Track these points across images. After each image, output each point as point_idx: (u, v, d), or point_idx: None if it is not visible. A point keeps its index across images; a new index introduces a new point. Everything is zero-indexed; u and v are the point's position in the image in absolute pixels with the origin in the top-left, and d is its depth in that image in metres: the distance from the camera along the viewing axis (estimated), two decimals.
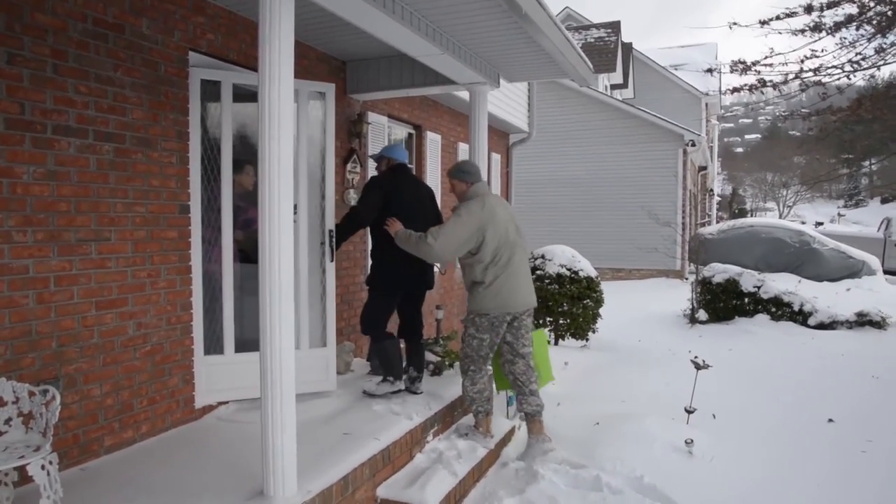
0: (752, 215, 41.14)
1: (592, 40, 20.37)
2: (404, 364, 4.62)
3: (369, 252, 4.71)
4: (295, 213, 3.76)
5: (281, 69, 2.74)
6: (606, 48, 20.03)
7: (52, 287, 3.15)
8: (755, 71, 8.25)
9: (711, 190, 28.53)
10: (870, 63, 7.82)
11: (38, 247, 3.08)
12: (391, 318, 4.57)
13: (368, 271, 4.73)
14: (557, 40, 4.51)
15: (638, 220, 16.11)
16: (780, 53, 8.16)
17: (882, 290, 12.05)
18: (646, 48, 28.47)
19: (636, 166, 16.94)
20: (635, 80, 24.18)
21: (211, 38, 4.08)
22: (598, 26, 21.32)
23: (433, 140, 7.42)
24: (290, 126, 2.84)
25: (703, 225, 21.95)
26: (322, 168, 4.47)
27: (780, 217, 39.85)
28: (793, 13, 8.12)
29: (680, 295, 12.29)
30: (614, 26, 20.86)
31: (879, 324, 9.22)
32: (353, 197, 5.52)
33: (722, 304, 10.42)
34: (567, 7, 23.63)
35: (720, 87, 22.48)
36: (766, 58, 8.31)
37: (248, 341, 4.09)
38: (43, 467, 2.39)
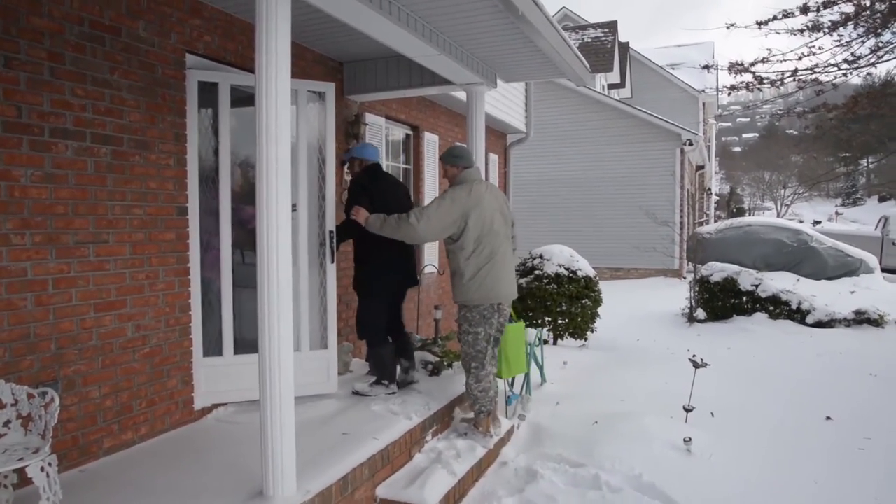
0: (749, 214, 41.20)
1: (589, 40, 20.40)
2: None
3: (353, 256, 4.67)
4: (294, 210, 3.78)
5: (278, 70, 2.75)
6: (603, 48, 20.06)
7: (51, 289, 3.16)
8: (752, 73, 8.27)
9: (709, 189, 28.57)
10: (865, 62, 7.85)
11: (37, 249, 3.09)
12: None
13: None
14: (554, 41, 4.53)
15: (636, 220, 16.13)
16: (777, 54, 8.18)
17: (880, 289, 12.04)
18: (643, 48, 28.50)
19: (634, 166, 16.95)
20: (632, 79, 24.21)
21: (208, 40, 4.09)
22: (594, 26, 21.35)
23: (430, 140, 7.43)
24: (287, 126, 2.85)
25: (701, 224, 21.98)
26: (322, 169, 4.47)
27: (778, 216, 39.91)
28: (789, 14, 8.14)
29: (678, 294, 12.31)
30: (611, 26, 20.89)
31: (877, 322, 9.23)
32: None
33: (720, 302, 10.43)
34: (564, 7, 23.66)
35: (717, 86, 22.49)
36: (763, 59, 8.34)
37: (248, 343, 4.09)
38: (42, 469, 2.39)
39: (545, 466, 4.05)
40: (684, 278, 15.91)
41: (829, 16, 8.03)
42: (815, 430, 5.11)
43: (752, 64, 8.53)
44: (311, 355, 4.30)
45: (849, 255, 13.35)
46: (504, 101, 8.71)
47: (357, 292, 4.58)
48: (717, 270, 10.73)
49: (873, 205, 48.30)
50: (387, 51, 4.70)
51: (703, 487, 3.86)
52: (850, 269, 13.14)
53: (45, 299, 3.13)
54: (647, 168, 16.84)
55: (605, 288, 9.03)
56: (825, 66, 8.24)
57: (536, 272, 8.39)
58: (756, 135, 72.76)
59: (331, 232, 4.36)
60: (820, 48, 8.20)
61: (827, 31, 8.02)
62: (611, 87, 21.86)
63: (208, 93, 4.02)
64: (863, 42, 7.75)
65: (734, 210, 41.62)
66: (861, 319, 9.35)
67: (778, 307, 9.94)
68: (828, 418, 5.36)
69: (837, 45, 8.15)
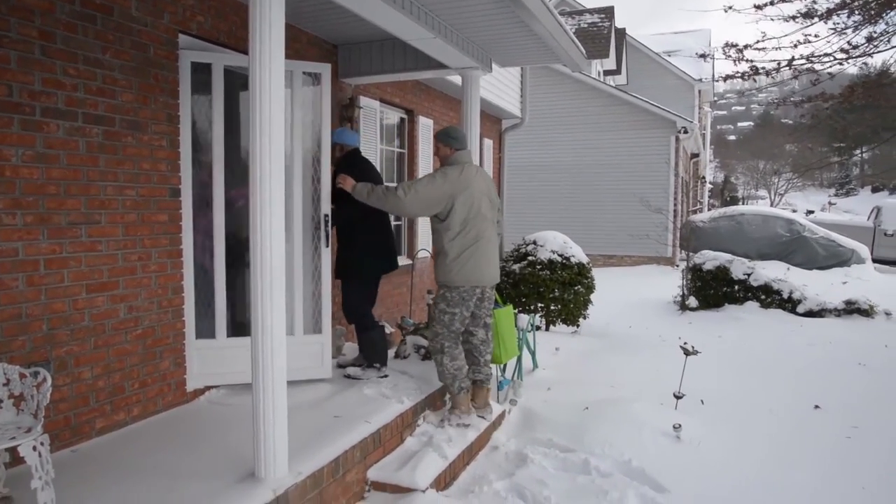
0: (743, 203, 41.25)
1: (586, 25, 20.28)
2: None
3: (338, 241, 4.68)
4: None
5: (272, 51, 2.73)
6: (600, 34, 19.95)
7: (42, 270, 3.15)
8: (747, 58, 8.25)
9: (703, 177, 28.60)
10: (861, 51, 7.85)
11: (28, 230, 3.07)
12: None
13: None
14: (550, 25, 4.50)
15: (630, 207, 16.15)
16: (772, 38, 8.17)
17: (871, 279, 12.12)
18: (639, 34, 28.37)
19: (628, 153, 16.95)
20: (628, 66, 24.13)
21: (201, 20, 4.05)
22: (591, 11, 21.22)
23: (425, 125, 7.40)
24: (281, 109, 2.83)
25: (694, 212, 22.03)
26: (317, 152, 4.42)
27: (772, 205, 40.01)
28: None
29: (671, 282, 12.36)
30: (608, 12, 20.76)
31: (867, 312, 9.30)
32: None
33: (712, 291, 10.48)
34: None
35: (713, 74, 22.46)
36: (757, 42, 8.32)
37: (241, 326, 4.10)
38: (34, 448, 2.40)
39: (536, 451, 4.09)
40: (677, 266, 15.97)
41: (824, 3, 8.03)
42: (803, 419, 5.16)
43: (747, 46, 8.51)
44: (304, 339, 4.29)
45: (841, 245, 13.42)
46: (499, 86, 8.68)
47: (342, 277, 4.59)
48: (710, 259, 10.77)
49: (866, 195, 48.50)
50: (382, 34, 4.66)
51: (691, 474, 3.90)
52: (841, 259, 13.22)
53: (37, 279, 3.12)
54: (641, 155, 16.83)
55: (598, 275, 9.05)
56: (821, 55, 8.24)
57: (530, 258, 8.40)
58: (751, 123, 72.79)
59: (326, 215, 4.34)
60: (816, 35, 8.17)
61: (821, 17, 8.01)
62: (606, 73, 21.79)
63: (201, 74, 3.99)
64: (858, 30, 7.75)
65: (728, 199, 41.64)
66: (851, 309, 9.41)
67: (769, 296, 10.00)
68: (816, 407, 5.42)
69: (833, 33, 8.14)
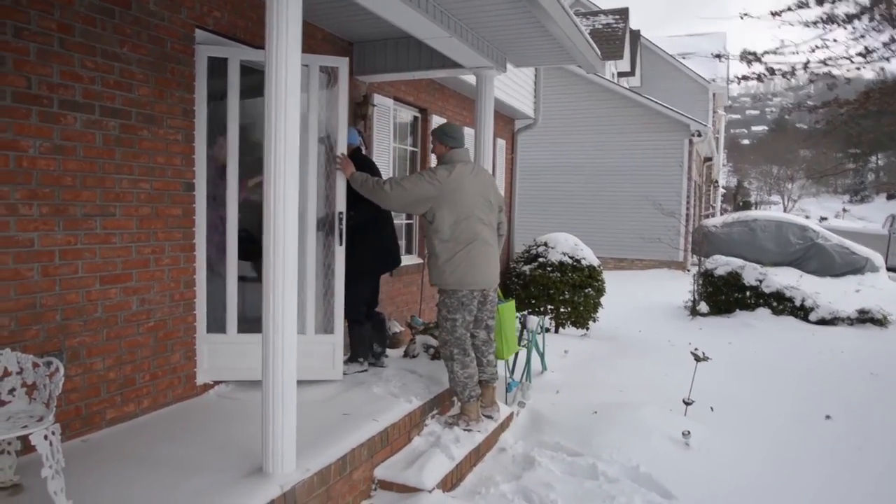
0: (756, 208, 40.96)
1: (600, 27, 20.21)
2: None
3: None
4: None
5: (288, 43, 2.73)
6: (614, 35, 19.87)
7: (58, 261, 3.17)
8: (765, 63, 8.20)
9: (716, 181, 28.43)
10: (879, 55, 7.76)
11: (44, 220, 3.09)
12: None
13: None
14: (566, 26, 4.48)
15: (642, 210, 16.06)
16: (790, 45, 8.10)
17: (885, 288, 11.99)
18: (654, 36, 28.20)
19: (641, 155, 16.85)
20: (643, 68, 24.01)
21: (217, 15, 4.06)
22: (606, 13, 21.13)
23: (439, 123, 7.39)
24: (296, 104, 2.83)
25: (707, 216, 21.90)
26: (332, 148, 4.36)
27: (785, 211, 39.75)
28: (804, 4, 8.05)
29: (681, 286, 12.30)
30: (622, 13, 20.68)
31: (881, 321, 9.21)
32: None
33: (723, 296, 10.41)
34: None
35: (728, 77, 22.31)
36: (776, 49, 8.27)
37: (251, 321, 4.10)
38: (46, 437, 2.41)
39: (543, 454, 4.07)
40: (688, 271, 15.89)
41: (843, 7, 7.95)
42: (814, 429, 5.12)
43: (765, 53, 8.46)
44: (315, 339, 4.23)
45: (855, 252, 13.30)
46: (513, 86, 8.66)
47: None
48: (722, 264, 10.70)
49: (881, 202, 48.07)
50: (397, 32, 4.66)
51: (700, 481, 3.88)
52: (855, 266, 13.10)
53: (52, 270, 3.15)
54: (654, 158, 16.74)
55: (608, 278, 9.02)
56: (838, 60, 8.16)
57: (540, 259, 8.39)
58: (765, 128, 72.26)
59: (340, 213, 4.28)
60: (834, 41, 8.10)
61: (841, 22, 7.94)
62: (620, 74, 21.69)
63: (217, 69, 4.00)
64: (879, 33, 7.66)
65: (740, 203, 41.40)
66: (865, 318, 9.33)
67: (781, 303, 9.93)
68: (827, 417, 5.37)
69: (852, 39, 8.07)
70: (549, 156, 17.19)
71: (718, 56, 10.73)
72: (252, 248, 4.63)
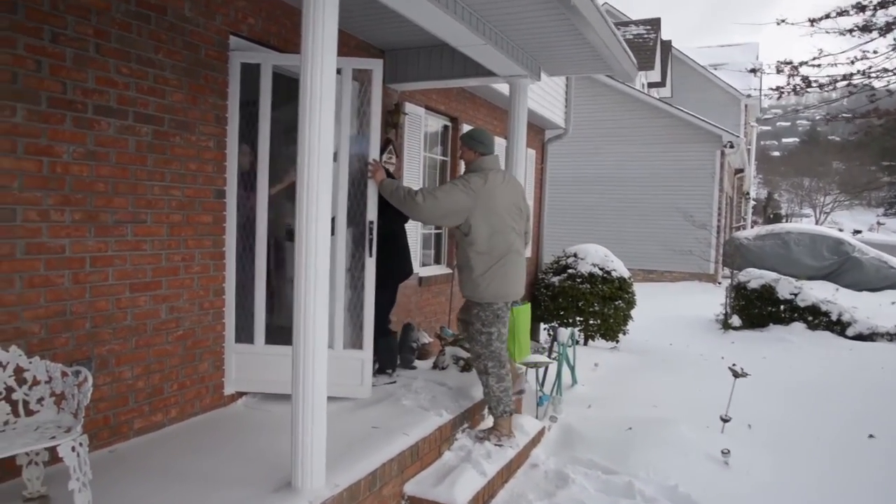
0: (787, 221, 40.22)
1: (631, 37, 20.03)
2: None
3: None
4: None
5: (324, 50, 2.68)
6: (645, 45, 19.68)
7: (88, 267, 3.14)
8: (801, 73, 8.02)
9: (747, 193, 27.96)
10: None
11: (76, 226, 3.07)
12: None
13: None
14: (604, 34, 4.38)
15: (671, 222, 15.81)
16: (828, 55, 7.92)
17: None
18: (685, 47, 27.93)
19: (671, 167, 16.62)
20: (673, 79, 23.75)
21: (252, 22, 4.04)
22: (637, 23, 20.96)
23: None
24: (331, 108, 2.77)
25: (737, 229, 21.51)
26: (364, 154, 4.21)
27: (817, 223, 38.96)
28: (844, 12, 7.86)
29: (712, 299, 12.06)
30: (654, 23, 20.49)
31: None
32: None
33: (757, 310, 10.19)
34: (606, 2, 23.28)
35: (760, 88, 21.95)
36: (814, 58, 8.07)
37: (280, 332, 4.01)
38: (73, 449, 2.37)
39: (576, 471, 3.95)
40: (719, 283, 15.59)
41: (883, 17, 7.74)
42: (857, 448, 4.92)
43: (802, 64, 8.27)
44: (344, 354, 4.06)
45: (892, 266, 12.96)
46: (543, 95, 8.56)
47: None
48: (755, 277, 10.48)
49: None
50: (430, 40, 4.60)
51: (741, 503, 3.72)
52: (893, 281, 12.74)
53: (82, 277, 3.12)
54: (684, 170, 16.49)
55: (638, 290, 8.86)
56: (878, 71, 7.95)
57: (570, 271, 8.26)
58: (796, 140, 71.11)
59: (370, 222, 4.14)
60: (874, 52, 7.88)
61: (881, 31, 7.74)
62: (651, 85, 21.47)
63: (251, 76, 3.97)
64: None
65: (771, 216, 40.65)
66: None
67: (817, 318, 9.67)
68: (870, 436, 5.16)
69: (893, 49, 7.85)
70: (577, 167, 17.05)
71: (753, 70, 10.52)
72: (280, 255, 4.58)
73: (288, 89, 3.76)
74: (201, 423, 3.71)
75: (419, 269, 6.47)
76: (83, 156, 3.08)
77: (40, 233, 2.93)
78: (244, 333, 4.03)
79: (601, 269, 8.22)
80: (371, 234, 4.09)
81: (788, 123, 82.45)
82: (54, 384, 2.60)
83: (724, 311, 10.50)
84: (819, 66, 8.07)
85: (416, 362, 5.14)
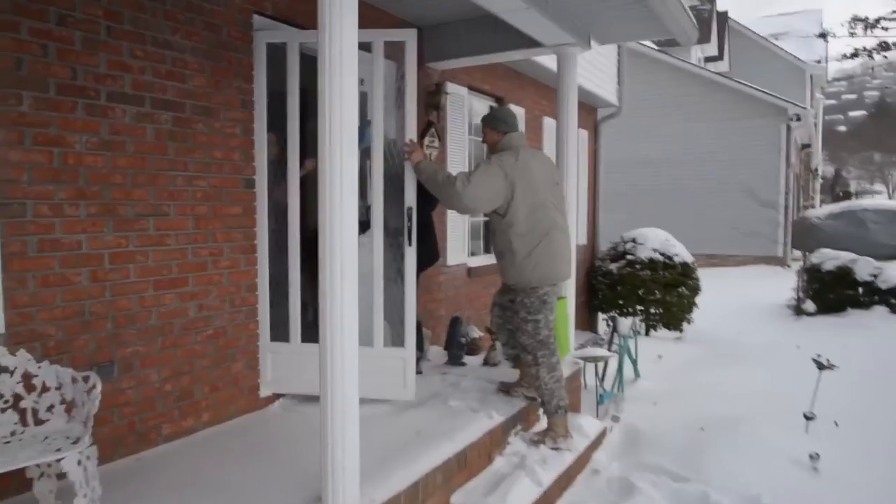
0: (856, 198, 38.20)
1: None
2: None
3: None
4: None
5: (343, 12, 2.36)
6: (700, 17, 18.69)
7: (107, 264, 2.95)
8: (881, 28, 7.31)
9: (816, 169, 26.49)
10: None
11: (92, 221, 2.88)
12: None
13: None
14: None
15: (735, 203, 15.01)
16: None
17: None
18: (742, 17, 26.55)
19: (733, 144, 15.75)
20: (731, 51, 22.60)
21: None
22: None
23: (516, 113, 6.93)
24: (354, 87, 2.45)
25: (807, 208, 20.38)
26: (401, 134, 3.88)
27: (890, 199, 36.85)
28: None
29: (782, 283, 11.34)
30: None
31: None
32: None
33: (832, 294, 9.47)
34: None
35: (827, 56, 20.68)
36: (893, 12, 7.36)
37: (317, 330, 3.72)
38: (79, 462, 2.16)
39: (643, 478, 3.56)
40: (789, 266, 14.73)
41: None
42: None
43: (879, 20, 7.54)
44: (384, 353, 3.76)
45: None
46: (594, 71, 8.05)
47: None
48: (830, 258, 9.76)
49: None
50: (468, 11, 4.26)
51: None
52: None
53: (102, 275, 2.92)
54: (747, 146, 15.60)
55: (701, 276, 8.32)
56: None
57: (628, 257, 7.81)
58: (864, 112, 67.50)
59: (409, 209, 3.81)
60: None
61: None
62: (707, 59, 20.50)
63: (277, 56, 3.71)
64: None
65: (839, 194, 38.66)
66: None
67: None
68: None
69: None
70: (630, 147, 16.32)
71: (823, 35, 9.77)
72: (315, 246, 4.31)
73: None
74: (235, 427, 3.50)
75: (467, 260, 6.15)
76: (97, 145, 2.88)
77: (54, 228, 2.74)
78: (280, 331, 3.79)
79: (662, 253, 7.74)
80: (410, 221, 3.77)
81: (854, 96, 78.51)
82: (65, 391, 2.41)
83: (796, 296, 9.82)
84: None
85: (466, 358, 4.83)
